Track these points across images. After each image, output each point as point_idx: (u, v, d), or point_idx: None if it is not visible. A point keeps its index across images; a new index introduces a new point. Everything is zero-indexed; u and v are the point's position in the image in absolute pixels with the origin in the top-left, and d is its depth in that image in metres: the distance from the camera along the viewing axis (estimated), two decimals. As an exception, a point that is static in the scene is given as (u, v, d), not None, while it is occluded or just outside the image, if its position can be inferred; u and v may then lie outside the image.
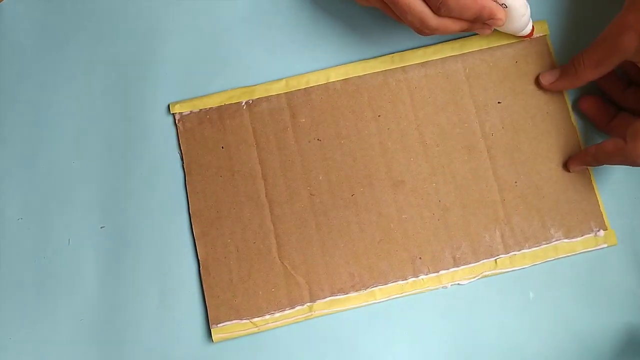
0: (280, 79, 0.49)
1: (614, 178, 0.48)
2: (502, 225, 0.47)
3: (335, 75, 0.49)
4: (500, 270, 0.47)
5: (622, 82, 0.48)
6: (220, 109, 0.49)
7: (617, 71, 0.47)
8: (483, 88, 0.49)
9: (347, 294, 0.47)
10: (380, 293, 0.47)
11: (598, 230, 0.47)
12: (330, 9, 0.50)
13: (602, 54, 0.45)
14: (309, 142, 0.49)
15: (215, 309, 0.47)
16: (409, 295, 0.47)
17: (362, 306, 0.47)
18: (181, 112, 0.49)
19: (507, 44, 0.49)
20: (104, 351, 0.47)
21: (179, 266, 0.48)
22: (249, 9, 0.51)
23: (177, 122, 0.49)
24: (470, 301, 0.47)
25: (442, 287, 0.47)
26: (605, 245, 0.47)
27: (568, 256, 0.47)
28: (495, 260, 0.47)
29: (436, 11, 0.43)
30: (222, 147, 0.49)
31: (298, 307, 0.47)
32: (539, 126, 0.49)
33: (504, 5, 0.44)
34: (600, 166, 0.47)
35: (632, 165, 0.44)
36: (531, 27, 0.48)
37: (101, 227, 0.48)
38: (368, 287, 0.47)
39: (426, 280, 0.47)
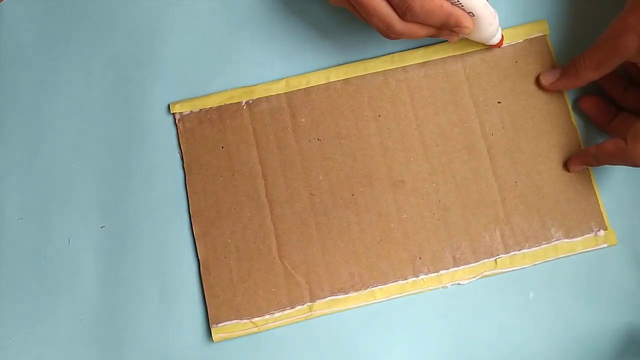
0: (280, 79, 0.49)
1: (614, 178, 0.48)
2: (502, 225, 0.47)
3: (336, 75, 0.49)
4: (500, 270, 0.47)
5: (623, 82, 0.48)
6: (220, 108, 0.49)
7: (618, 71, 0.47)
8: (483, 88, 0.49)
9: (347, 293, 0.47)
10: (380, 293, 0.47)
11: (598, 230, 0.47)
12: (331, 9, 0.50)
13: (603, 55, 0.45)
14: (309, 142, 0.49)
15: (215, 309, 0.47)
16: (409, 295, 0.47)
17: (362, 306, 0.47)
18: (181, 112, 0.49)
19: (508, 43, 0.49)
20: (104, 351, 0.47)
21: (179, 266, 0.48)
22: (249, 9, 0.51)
23: (177, 122, 0.49)
24: (470, 301, 0.47)
25: (442, 287, 0.47)
26: (605, 245, 0.47)
27: (568, 256, 0.47)
28: (495, 260, 0.47)
29: (402, 15, 0.43)
30: (222, 147, 0.49)
31: (298, 307, 0.47)
32: (539, 126, 0.49)
33: (471, 14, 0.44)
34: (601, 166, 0.47)
35: (633, 166, 0.44)
36: (500, 37, 0.47)
37: (101, 227, 0.48)
38: (368, 287, 0.47)
39: (426, 280, 0.47)
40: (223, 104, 0.49)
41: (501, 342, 0.47)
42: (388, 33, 0.44)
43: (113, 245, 0.48)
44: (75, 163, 0.49)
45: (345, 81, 0.49)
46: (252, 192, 0.48)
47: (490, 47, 0.49)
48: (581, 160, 0.47)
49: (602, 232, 0.47)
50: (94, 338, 0.47)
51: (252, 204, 0.48)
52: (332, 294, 0.47)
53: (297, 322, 0.47)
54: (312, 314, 0.46)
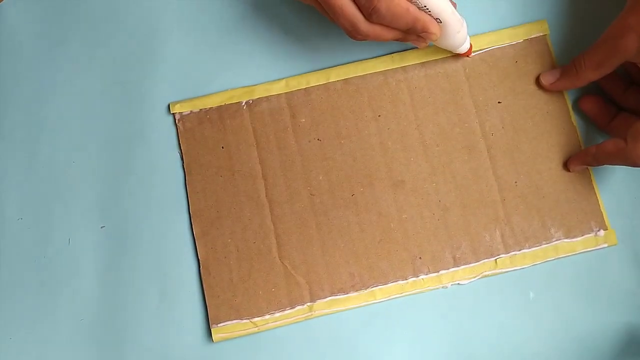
0: (280, 79, 0.49)
1: (614, 178, 0.48)
2: (502, 225, 0.47)
3: (336, 75, 0.49)
4: (500, 270, 0.47)
5: (624, 82, 0.48)
6: (220, 108, 0.49)
7: (618, 71, 0.47)
8: (483, 88, 0.49)
9: (347, 293, 0.47)
10: (380, 293, 0.47)
11: (598, 230, 0.47)
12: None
13: (603, 55, 0.45)
14: (309, 142, 0.49)
15: (215, 309, 0.47)
16: (409, 295, 0.47)
17: (362, 306, 0.47)
18: (181, 112, 0.49)
19: (508, 43, 0.49)
20: (104, 351, 0.47)
21: (179, 266, 0.48)
22: (249, 8, 0.51)
23: (177, 122, 0.49)
24: (470, 301, 0.47)
25: (442, 287, 0.47)
26: (606, 245, 0.47)
27: (568, 256, 0.47)
28: (496, 260, 0.47)
29: (368, 17, 0.43)
30: (222, 147, 0.49)
31: (298, 307, 0.47)
32: (539, 126, 0.49)
33: (438, 20, 0.44)
34: (601, 166, 0.47)
35: (633, 166, 0.44)
36: (469, 45, 0.47)
37: (101, 227, 0.48)
38: (368, 287, 0.47)
39: (426, 280, 0.47)
40: (223, 104, 0.49)
41: (501, 342, 0.47)
42: (354, 34, 0.44)
43: (113, 245, 0.48)
44: (75, 163, 0.49)
45: (345, 81, 0.49)
46: (252, 192, 0.48)
47: (458, 56, 0.49)
48: (581, 160, 0.47)
49: (602, 232, 0.47)
50: (94, 338, 0.47)
51: (252, 204, 0.48)
52: (332, 294, 0.47)
53: (297, 322, 0.47)
54: (312, 314, 0.46)
